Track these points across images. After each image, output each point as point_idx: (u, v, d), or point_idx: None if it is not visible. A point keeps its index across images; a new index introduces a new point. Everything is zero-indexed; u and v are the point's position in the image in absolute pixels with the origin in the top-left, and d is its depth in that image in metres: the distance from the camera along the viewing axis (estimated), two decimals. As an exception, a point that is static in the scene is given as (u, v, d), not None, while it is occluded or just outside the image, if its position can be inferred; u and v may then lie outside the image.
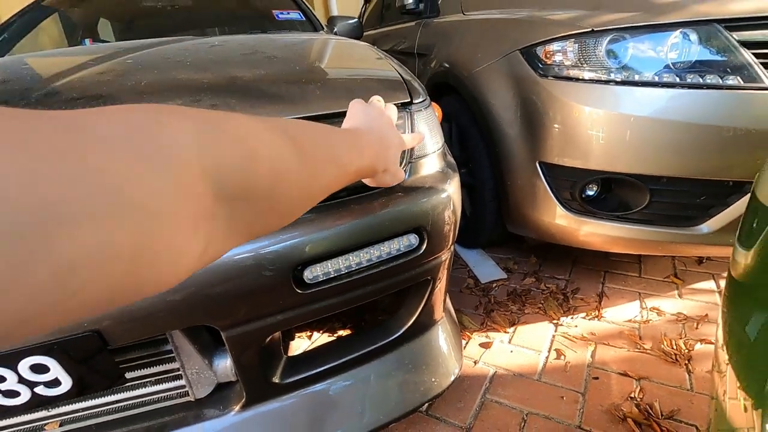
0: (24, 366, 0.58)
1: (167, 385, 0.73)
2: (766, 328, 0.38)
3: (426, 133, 0.83)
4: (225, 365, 0.72)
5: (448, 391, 0.94)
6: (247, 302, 0.65)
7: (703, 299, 1.34)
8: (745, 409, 0.37)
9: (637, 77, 1.09)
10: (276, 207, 0.27)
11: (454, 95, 1.64)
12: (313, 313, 0.72)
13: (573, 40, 1.17)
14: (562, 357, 1.14)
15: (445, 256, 0.83)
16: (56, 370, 0.59)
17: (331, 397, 0.80)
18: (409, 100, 0.82)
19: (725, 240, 1.10)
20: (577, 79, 1.16)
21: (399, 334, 0.87)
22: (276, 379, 0.76)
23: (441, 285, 0.87)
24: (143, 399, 0.73)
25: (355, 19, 1.97)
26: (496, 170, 1.45)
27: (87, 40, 1.74)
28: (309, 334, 1.21)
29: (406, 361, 0.88)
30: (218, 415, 0.74)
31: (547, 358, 1.14)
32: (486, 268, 1.61)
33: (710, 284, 1.42)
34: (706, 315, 1.25)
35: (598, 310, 1.32)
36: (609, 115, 1.11)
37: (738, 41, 1.02)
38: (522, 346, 1.20)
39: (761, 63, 1.01)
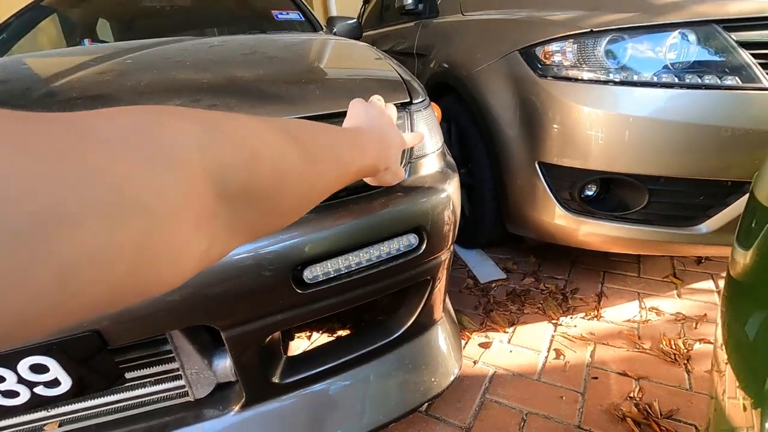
0: (23, 366, 0.58)
1: (167, 385, 0.72)
2: (765, 327, 0.38)
3: (425, 133, 0.83)
4: (225, 365, 0.72)
5: (448, 391, 0.94)
6: (247, 302, 0.65)
7: (702, 299, 1.34)
8: (745, 409, 0.37)
9: (635, 77, 1.09)
10: (278, 207, 0.27)
11: (453, 95, 1.64)
12: (313, 313, 0.72)
13: (572, 40, 1.17)
14: (562, 357, 1.14)
15: (445, 256, 0.83)
16: (56, 370, 0.59)
17: (331, 397, 0.80)
18: (408, 100, 0.82)
19: (724, 240, 1.10)
20: (576, 80, 1.16)
21: (398, 334, 0.86)
22: (276, 379, 0.76)
23: (440, 285, 0.87)
24: (143, 399, 0.72)
25: (355, 20, 1.97)
26: (495, 170, 1.46)
27: (86, 41, 1.73)
28: (309, 334, 1.21)
29: (405, 361, 0.88)
30: (218, 415, 0.74)
31: (546, 358, 1.14)
32: (485, 268, 1.61)
33: (709, 284, 1.42)
34: (705, 315, 1.26)
35: (597, 310, 1.32)
36: (608, 116, 1.11)
37: (736, 42, 1.03)
38: (521, 346, 1.20)
39: (759, 63, 1.01)
